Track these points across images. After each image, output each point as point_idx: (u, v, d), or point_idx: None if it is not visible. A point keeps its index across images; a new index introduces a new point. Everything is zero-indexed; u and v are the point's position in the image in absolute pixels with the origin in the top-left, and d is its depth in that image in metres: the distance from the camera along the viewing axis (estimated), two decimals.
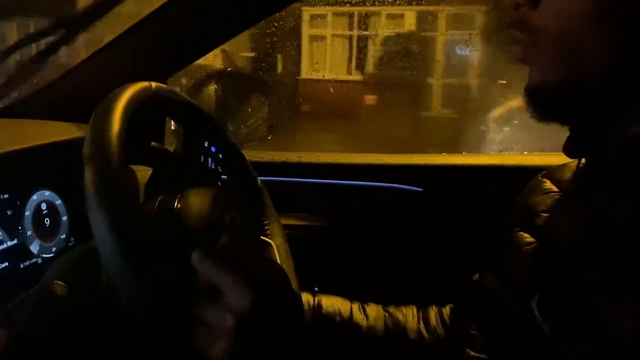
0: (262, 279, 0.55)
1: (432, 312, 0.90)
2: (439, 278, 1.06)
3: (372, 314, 0.90)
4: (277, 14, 1.04)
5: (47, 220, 0.83)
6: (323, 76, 6.93)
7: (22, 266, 0.78)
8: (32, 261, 0.80)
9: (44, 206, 0.82)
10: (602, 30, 0.58)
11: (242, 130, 1.33)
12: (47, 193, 0.83)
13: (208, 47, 1.00)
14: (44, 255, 0.81)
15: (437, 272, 1.15)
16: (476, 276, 0.87)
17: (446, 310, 0.90)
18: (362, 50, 7.06)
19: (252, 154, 1.24)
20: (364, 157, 1.28)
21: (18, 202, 0.78)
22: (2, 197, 0.76)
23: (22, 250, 0.78)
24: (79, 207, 0.86)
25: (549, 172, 0.81)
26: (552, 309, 0.59)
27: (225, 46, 1.02)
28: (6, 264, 0.76)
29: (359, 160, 1.27)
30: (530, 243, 0.74)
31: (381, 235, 1.21)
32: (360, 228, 1.22)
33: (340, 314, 0.90)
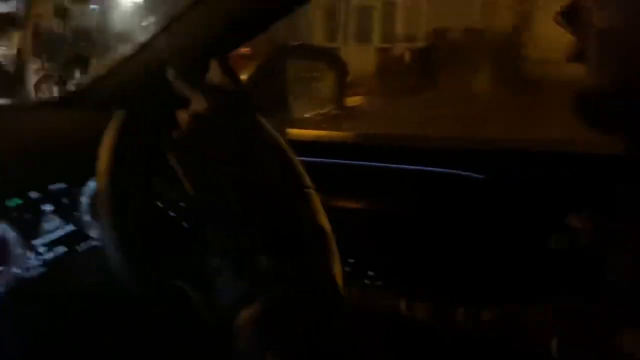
0: (220, 97, 0.63)
1: (484, 314, 0.86)
2: (499, 277, 1.00)
3: (418, 311, 0.88)
4: None
5: None
6: None
7: (79, 250, 0.83)
8: (88, 244, 0.84)
9: None
10: None
11: (308, 106, 1.32)
12: None
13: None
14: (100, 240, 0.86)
15: (497, 270, 1.07)
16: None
17: (498, 312, 0.86)
18: None
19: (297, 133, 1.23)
20: (416, 139, 1.22)
21: (74, 190, 0.82)
22: (58, 186, 0.80)
23: (79, 235, 0.83)
24: None
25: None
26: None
27: None
28: (64, 248, 0.81)
29: (410, 142, 1.21)
30: (582, 254, 0.68)
31: (433, 226, 1.15)
32: (411, 217, 1.16)
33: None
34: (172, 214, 0.74)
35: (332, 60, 1.33)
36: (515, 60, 8.50)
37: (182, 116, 0.62)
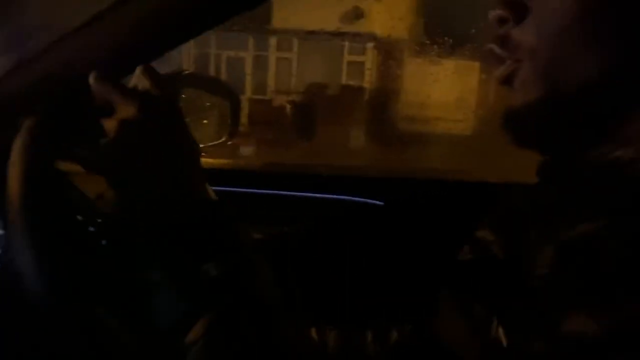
0: (150, 104, 0.60)
1: (392, 335, 0.88)
2: (399, 298, 1.04)
3: (328, 338, 0.88)
4: None
5: None
6: None
7: None
8: None
9: None
10: (587, 43, 0.57)
11: (201, 136, 1.29)
12: None
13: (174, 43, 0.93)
14: None
15: (396, 291, 1.12)
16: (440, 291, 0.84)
17: (406, 330, 0.88)
18: None
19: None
20: (319, 167, 1.25)
21: None
22: None
23: None
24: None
25: (516, 191, 0.79)
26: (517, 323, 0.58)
27: None
28: None
29: (313, 170, 1.24)
30: (497, 261, 0.72)
31: (336, 252, 1.18)
32: (314, 244, 1.19)
33: None
34: (90, 229, 0.68)
35: (225, 90, 1.32)
36: (386, 117, 9.00)
37: (109, 123, 0.59)
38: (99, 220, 0.65)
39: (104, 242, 0.65)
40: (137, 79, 0.63)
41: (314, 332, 0.88)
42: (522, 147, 0.64)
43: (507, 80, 0.64)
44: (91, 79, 0.62)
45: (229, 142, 1.29)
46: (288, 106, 10.34)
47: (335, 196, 1.16)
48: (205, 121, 1.31)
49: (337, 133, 8.34)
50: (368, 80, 11.79)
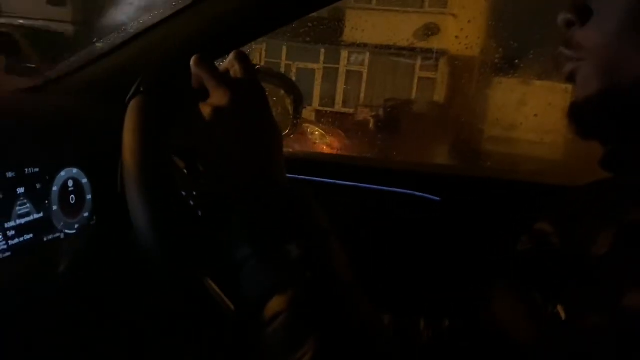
0: (241, 91, 0.63)
1: (444, 322, 0.90)
2: (451, 289, 1.06)
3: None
4: None
5: (72, 198, 0.85)
6: None
7: (45, 239, 0.81)
8: (55, 236, 0.82)
9: (70, 183, 0.85)
10: None
11: None
12: (74, 171, 0.85)
13: (252, 36, 0.99)
14: (66, 231, 0.84)
15: (449, 284, 1.14)
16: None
17: (457, 319, 0.90)
18: None
19: None
20: (381, 162, 1.29)
21: (47, 177, 0.81)
22: (32, 170, 0.79)
23: (46, 224, 0.81)
24: (104, 187, 0.88)
25: (572, 187, 0.81)
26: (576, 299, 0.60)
27: None
28: (31, 235, 0.78)
29: (375, 163, 1.28)
30: (556, 249, 0.73)
31: (393, 242, 1.21)
32: (372, 232, 1.22)
33: None
34: (190, 201, 0.72)
35: (289, 86, 1.37)
36: (472, 135, 8.77)
37: (205, 108, 0.62)
38: (194, 193, 0.69)
39: (200, 213, 0.69)
40: (230, 64, 0.68)
41: None
42: (585, 138, 0.67)
43: (571, 77, 0.67)
44: (192, 62, 0.65)
45: (291, 135, 1.34)
46: (372, 120, 10.25)
47: (396, 189, 1.20)
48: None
49: (421, 149, 8.18)
50: (438, 97, 11.65)
